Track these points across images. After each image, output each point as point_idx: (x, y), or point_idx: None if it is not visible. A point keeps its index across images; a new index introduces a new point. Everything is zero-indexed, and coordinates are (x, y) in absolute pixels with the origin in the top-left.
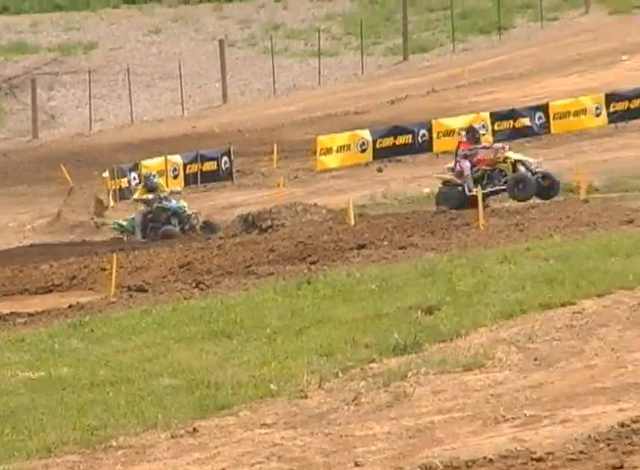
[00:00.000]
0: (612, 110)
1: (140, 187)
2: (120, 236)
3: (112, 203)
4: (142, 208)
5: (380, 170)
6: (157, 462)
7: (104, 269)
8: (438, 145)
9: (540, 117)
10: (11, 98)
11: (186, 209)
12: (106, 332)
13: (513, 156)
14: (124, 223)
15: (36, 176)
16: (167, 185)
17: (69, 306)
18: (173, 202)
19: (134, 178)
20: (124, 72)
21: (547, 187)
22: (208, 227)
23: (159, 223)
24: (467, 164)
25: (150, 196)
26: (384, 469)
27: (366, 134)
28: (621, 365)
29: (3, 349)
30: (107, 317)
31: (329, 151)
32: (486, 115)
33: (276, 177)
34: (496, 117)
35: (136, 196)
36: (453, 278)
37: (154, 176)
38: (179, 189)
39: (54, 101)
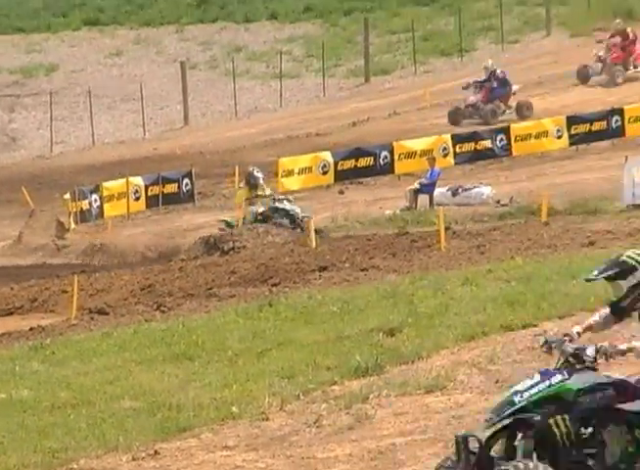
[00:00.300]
0: (573, 132)
1: (242, 185)
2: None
3: (73, 225)
4: (251, 208)
5: (341, 192)
6: None
7: (65, 292)
8: (400, 167)
9: (502, 140)
10: None
11: (298, 211)
12: (67, 354)
13: None
14: (232, 222)
15: None
16: (129, 208)
17: (30, 329)
18: (287, 204)
19: (95, 200)
20: (85, 95)
21: None
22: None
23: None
24: None
25: (265, 195)
26: None
27: (328, 156)
28: None
29: None
30: (68, 340)
31: (290, 173)
32: (448, 137)
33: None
34: (458, 139)
35: (245, 196)
36: (415, 300)
37: (257, 171)
38: (291, 198)
39: (15, 123)
